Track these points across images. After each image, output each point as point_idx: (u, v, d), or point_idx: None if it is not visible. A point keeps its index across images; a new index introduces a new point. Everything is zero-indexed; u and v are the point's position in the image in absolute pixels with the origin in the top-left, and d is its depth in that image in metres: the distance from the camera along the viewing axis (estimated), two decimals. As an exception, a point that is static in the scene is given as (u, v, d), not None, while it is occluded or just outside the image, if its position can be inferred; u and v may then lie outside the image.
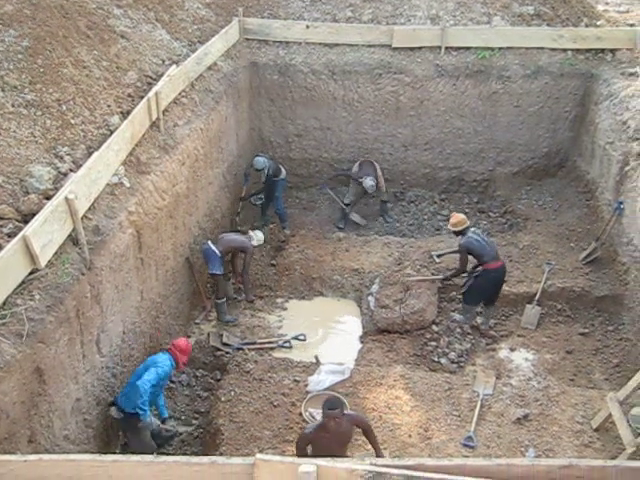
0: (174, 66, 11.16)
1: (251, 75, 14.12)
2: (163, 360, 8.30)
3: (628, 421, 8.01)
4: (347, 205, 13.91)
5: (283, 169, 13.61)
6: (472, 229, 10.75)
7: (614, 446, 8.07)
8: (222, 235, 11.41)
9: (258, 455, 4.47)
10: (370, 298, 11.29)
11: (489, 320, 10.88)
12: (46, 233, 6.78)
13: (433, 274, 11.52)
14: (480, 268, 10.58)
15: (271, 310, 11.51)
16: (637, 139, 11.11)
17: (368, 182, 13.41)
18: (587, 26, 14.24)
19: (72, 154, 8.13)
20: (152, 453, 8.21)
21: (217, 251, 10.90)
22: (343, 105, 14.36)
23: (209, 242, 11.10)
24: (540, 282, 11.31)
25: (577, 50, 13.87)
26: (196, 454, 8.57)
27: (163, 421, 8.68)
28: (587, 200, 13.30)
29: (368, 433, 7.21)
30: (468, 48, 13.97)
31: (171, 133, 10.26)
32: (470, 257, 10.59)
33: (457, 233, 10.71)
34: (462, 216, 10.79)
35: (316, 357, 9.94)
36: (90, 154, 8.15)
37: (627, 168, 11.38)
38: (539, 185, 14.57)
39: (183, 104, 11.03)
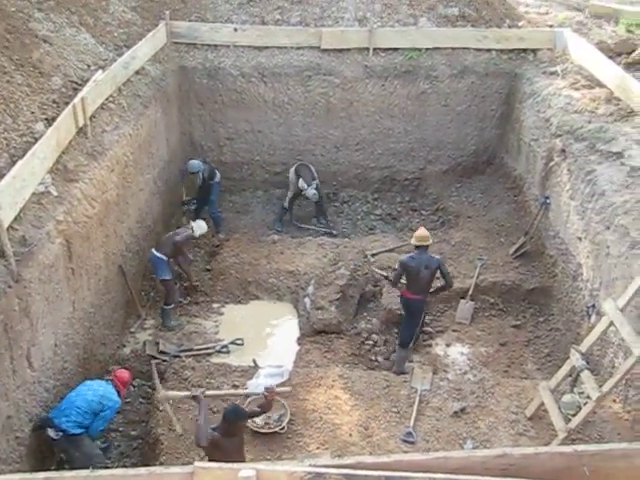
0: (100, 71, 10.94)
1: (180, 79, 13.97)
2: (112, 401, 8.19)
3: (559, 408, 8.27)
4: (284, 210, 13.90)
5: (217, 172, 13.53)
6: (429, 254, 9.77)
7: (547, 433, 8.31)
8: (164, 237, 11.36)
9: (197, 463, 4.43)
10: (306, 300, 11.32)
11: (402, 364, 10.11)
12: (-31, 246, 6.56)
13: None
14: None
15: (207, 316, 11.41)
16: (559, 135, 11.46)
17: (310, 192, 13.46)
18: (510, 27, 14.65)
19: (-5, 163, 7.90)
20: (103, 462, 8.15)
21: (162, 256, 10.86)
22: (274, 107, 14.35)
23: (153, 250, 11.03)
24: (473, 277, 11.55)
25: (501, 50, 14.23)
26: (136, 465, 8.41)
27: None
28: (515, 196, 13.66)
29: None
30: (396, 49, 14.15)
31: (99, 139, 10.07)
32: None
33: (415, 247, 9.86)
34: (423, 234, 9.82)
35: (254, 361, 9.90)
36: (14, 163, 7.92)
37: (551, 164, 11.74)
38: (469, 182, 14.88)
39: (111, 109, 10.83)
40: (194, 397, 7.52)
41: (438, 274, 9.83)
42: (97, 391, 8.18)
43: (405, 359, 10.07)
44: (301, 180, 13.55)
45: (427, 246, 9.76)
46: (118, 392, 8.40)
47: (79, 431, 7.88)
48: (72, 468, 8.01)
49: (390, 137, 14.72)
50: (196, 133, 14.64)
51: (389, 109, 14.44)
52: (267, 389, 7.64)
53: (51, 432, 7.82)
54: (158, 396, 8.34)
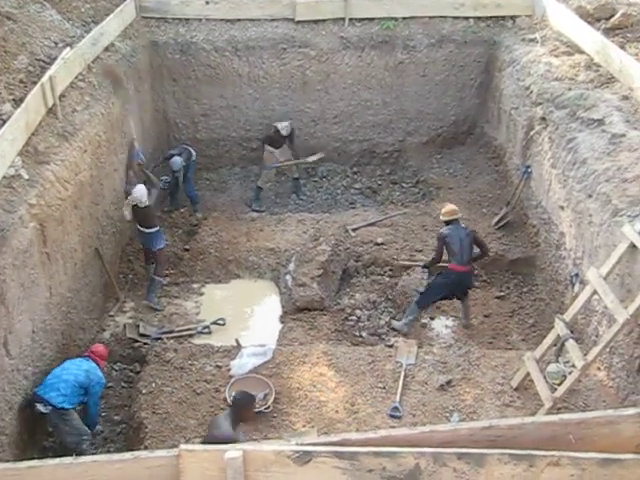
0: (68, 48, 10.76)
1: (151, 55, 13.79)
2: (97, 375, 8.42)
3: (545, 378, 8.38)
4: (260, 189, 13.86)
5: (192, 150, 13.44)
6: (462, 226, 10.39)
7: (533, 403, 8.42)
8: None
9: (182, 446, 4.45)
10: (287, 277, 11.34)
11: (468, 317, 10.59)
12: (-61, 233, 6.48)
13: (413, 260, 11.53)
14: (445, 266, 10.37)
15: (187, 296, 11.40)
16: (540, 104, 11.48)
17: (282, 125, 13.52)
18: (487, -7, 14.58)
19: (-38, 147, 7.79)
20: (87, 435, 8.28)
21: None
22: (249, 82, 14.23)
23: (137, 225, 11.09)
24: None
25: (479, 18, 14.17)
26: (120, 451, 8.42)
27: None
28: (496, 166, 13.71)
29: None
30: (372, 19, 14.07)
31: (70, 119, 9.94)
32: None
33: (445, 222, 10.40)
34: (452, 207, 10.45)
35: (237, 341, 9.92)
36: (-18, 146, 7.82)
37: (532, 132, 11.77)
38: (449, 153, 14.89)
39: (81, 88, 10.69)
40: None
41: None
42: (80, 366, 8.37)
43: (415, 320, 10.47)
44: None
45: (458, 219, 10.30)
46: (99, 367, 8.59)
47: (69, 406, 8.03)
48: (61, 443, 8.31)
49: (368, 109, 14.67)
50: (170, 110, 14.49)
51: (367, 80, 14.38)
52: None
53: (40, 407, 7.94)
54: None
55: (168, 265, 11.70)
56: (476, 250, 10.37)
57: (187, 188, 13.37)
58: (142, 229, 11.07)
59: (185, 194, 13.40)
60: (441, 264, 10.45)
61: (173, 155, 13.08)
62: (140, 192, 10.85)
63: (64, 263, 9.30)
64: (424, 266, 10.85)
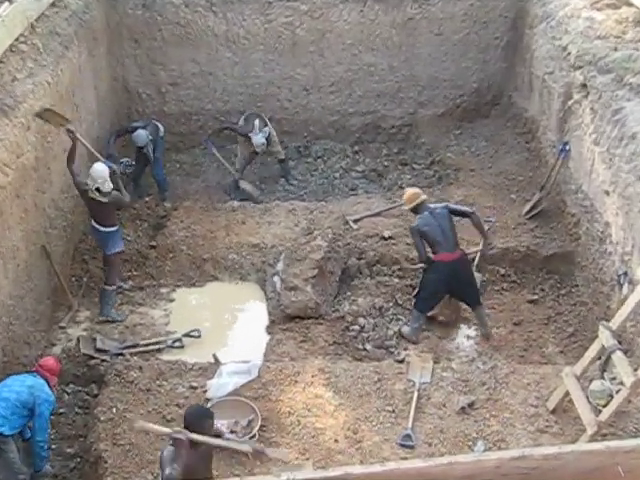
0: (6, 4, 10.74)
1: (107, 11, 13.81)
2: (45, 393, 8.26)
3: (587, 398, 8.38)
4: (238, 171, 13.85)
5: (160, 125, 13.46)
6: (432, 205, 10.64)
7: (574, 428, 8.41)
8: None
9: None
10: (275, 279, 11.34)
11: (486, 326, 10.64)
12: None
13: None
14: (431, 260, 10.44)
15: (155, 303, 11.39)
16: (579, 67, 11.47)
17: (258, 139, 13.44)
18: None
19: None
20: (25, 476, 8.21)
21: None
22: (227, 43, 14.24)
23: (92, 221, 10.88)
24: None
25: (505, -38, 14.22)
26: (74, 490, 8.46)
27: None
28: (527, 143, 13.73)
29: None
30: (376, -35, 14.11)
31: (9, 90, 9.91)
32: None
33: (413, 211, 10.63)
34: (413, 190, 10.68)
35: (215, 356, 9.92)
36: None
37: (570, 102, 11.77)
38: (470, 128, 14.93)
39: (22, 52, 10.67)
40: (174, 438, 7.34)
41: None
42: (24, 382, 8.26)
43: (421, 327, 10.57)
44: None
45: (424, 201, 10.46)
46: (48, 384, 8.44)
47: (8, 432, 7.94)
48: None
49: (372, 75, 14.69)
50: (131, 78, 14.51)
51: (370, 41, 14.40)
52: (255, 450, 7.37)
53: None
54: (135, 425, 8.32)
55: (132, 266, 11.71)
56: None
57: (154, 170, 13.38)
58: (97, 226, 10.86)
59: (153, 177, 13.39)
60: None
61: (137, 128, 13.06)
62: (99, 171, 10.42)
63: (4, 264, 9.28)
64: (414, 269, 11.14)
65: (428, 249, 10.38)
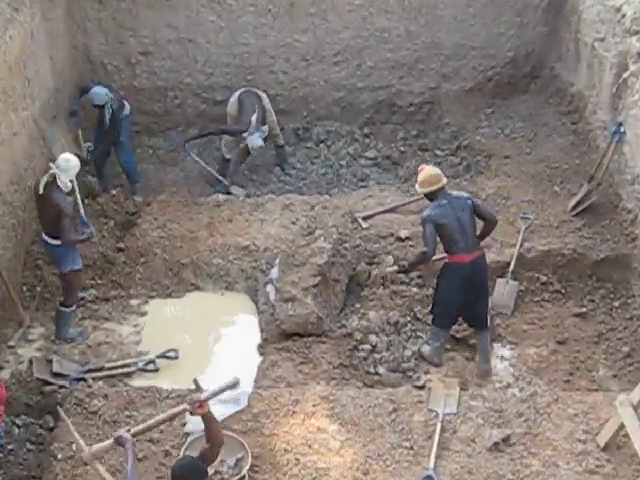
0: (-57, -45, 10.81)
1: (66, -35, 13.85)
2: None
3: (647, 432, 8.39)
4: (227, 161, 13.85)
5: (127, 103, 13.49)
6: (455, 193, 10.40)
7: (630, 468, 8.42)
8: None
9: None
10: (269, 288, 11.35)
11: (488, 360, 10.51)
12: None
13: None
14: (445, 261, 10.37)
15: (123, 318, 11.41)
16: (637, 33, 11.48)
17: (255, 141, 13.46)
18: None
19: None
20: None
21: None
22: (210, 4, 14.27)
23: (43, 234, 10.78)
24: (515, 246, 11.61)
25: None
26: None
27: None
28: (573, 124, 13.74)
29: None
30: None
31: (-53, 60, 9.98)
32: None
33: (427, 197, 10.25)
34: (433, 170, 10.25)
35: (195, 381, 9.82)
36: None
37: (625, 74, 11.75)
38: (504, 106, 14.96)
39: (-38, 15, 10.73)
40: (117, 440, 7.50)
41: None
42: None
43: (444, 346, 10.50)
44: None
45: (444, 187, 10.11)
46: None
47: None
48: None
49: (386, 43, 14.72)
50: (94, 46, 14.53)
51: (382, 1, 14.39)
52: (192, 400, 7.36)
53: None
54: (83, 456, 8.36)
55: (95, 273, 11.72)
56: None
57: (122, 157, 13.40)
58: (45, 237, 10.69)
59: (120, 165, 13.40)
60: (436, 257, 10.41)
61: (91, 88, 13.13)
62: (67, 160, 10.34)
63: (-59, 271, 9.32)
64: (401, 270, 10.95)
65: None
